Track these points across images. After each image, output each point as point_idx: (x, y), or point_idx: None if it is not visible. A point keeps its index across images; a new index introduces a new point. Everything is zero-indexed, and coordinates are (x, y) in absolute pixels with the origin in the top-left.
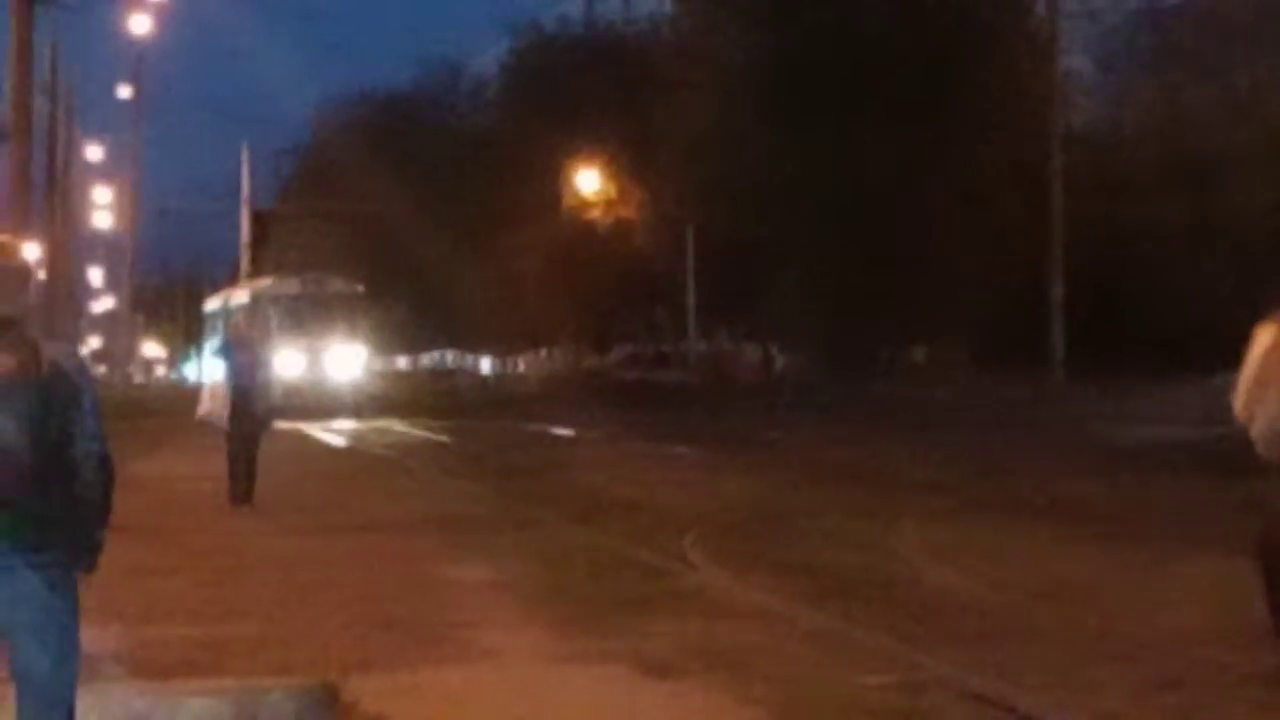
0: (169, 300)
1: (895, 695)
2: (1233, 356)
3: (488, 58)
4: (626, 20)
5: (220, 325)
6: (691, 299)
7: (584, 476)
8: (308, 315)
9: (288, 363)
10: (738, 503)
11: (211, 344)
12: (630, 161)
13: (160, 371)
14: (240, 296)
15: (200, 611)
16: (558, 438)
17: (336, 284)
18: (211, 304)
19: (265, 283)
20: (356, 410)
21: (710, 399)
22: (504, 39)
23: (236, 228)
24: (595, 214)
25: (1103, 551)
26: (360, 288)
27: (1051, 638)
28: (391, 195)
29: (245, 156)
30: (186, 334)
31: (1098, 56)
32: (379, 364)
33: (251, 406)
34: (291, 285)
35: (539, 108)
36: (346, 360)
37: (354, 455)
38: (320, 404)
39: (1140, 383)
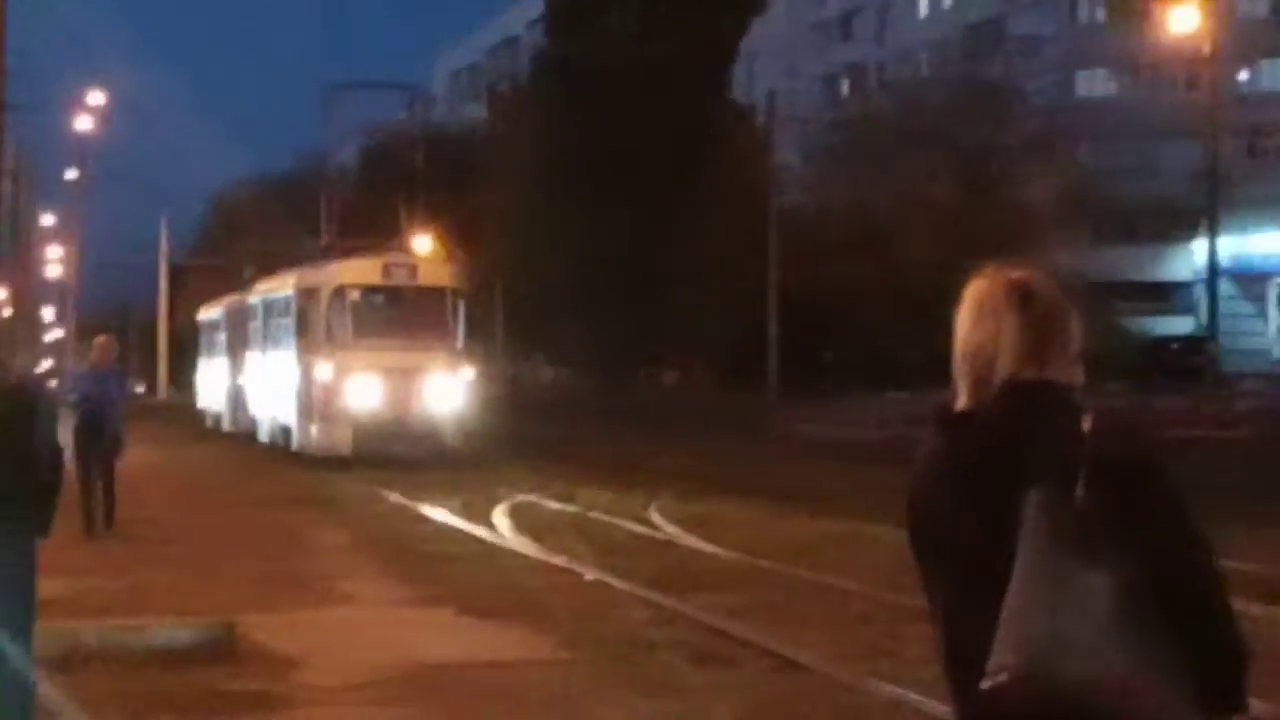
0: (105, 330)
1: (654, 627)
2: (901, 378)
3: (351, 149)
4: (451, 123)
5: (220, 336)
6: (500, 336)
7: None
8: (393, 316)
9: (362, 391)
10: (529, 487)
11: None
12: (457, 232)
13: None
14: (280, 288)
15: (126, 567)
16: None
17: (435, 269)
18: (211, 312)
19: (326, 271)
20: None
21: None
22: (362, 136)
23: (157, 277)
24: None
25: (810, 521)
26: (459, 270)
27: (772, 587)
28: (278, 253)
29: (164, 223)
30: (118, 358)
31: (803, 152)
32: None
33: (102, 431)
34: (368, 271)
35: (388, 189)
36: (448, 385)
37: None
38: (408, 451)
39: (835, 396)
